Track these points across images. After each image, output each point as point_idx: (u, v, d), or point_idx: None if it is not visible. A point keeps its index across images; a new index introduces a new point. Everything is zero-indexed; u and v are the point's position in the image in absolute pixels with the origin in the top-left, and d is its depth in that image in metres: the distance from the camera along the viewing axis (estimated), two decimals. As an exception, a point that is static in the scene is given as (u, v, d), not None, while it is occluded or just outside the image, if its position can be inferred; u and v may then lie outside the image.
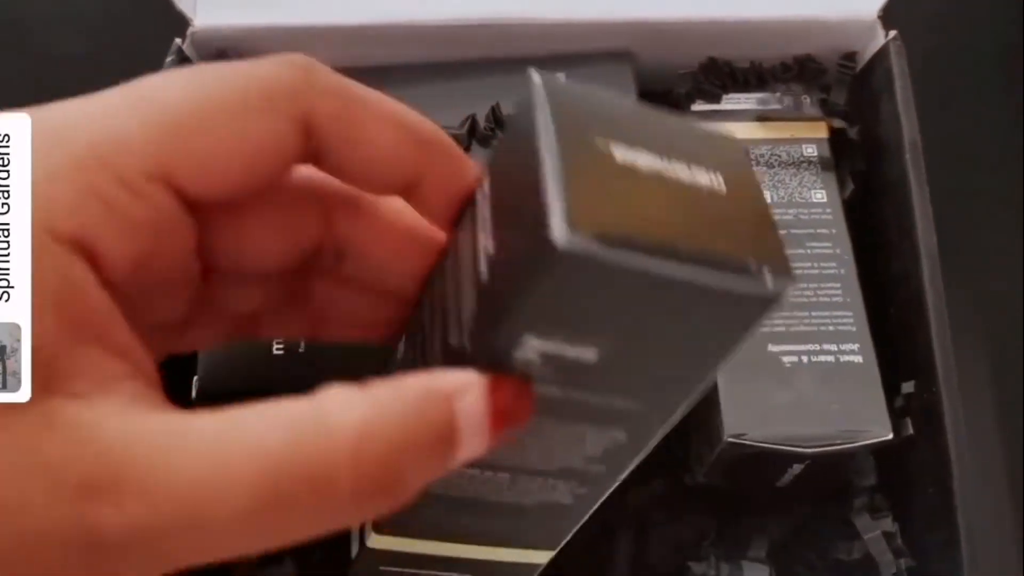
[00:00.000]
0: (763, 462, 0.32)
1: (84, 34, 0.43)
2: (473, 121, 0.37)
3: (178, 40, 0.36)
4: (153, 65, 0.35)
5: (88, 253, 0.18)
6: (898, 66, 0.36)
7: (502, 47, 0.38)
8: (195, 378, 0.31)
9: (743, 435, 0.31)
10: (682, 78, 0.38)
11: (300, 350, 0.32)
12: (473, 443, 0.18)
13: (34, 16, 0.43)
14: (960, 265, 0.35)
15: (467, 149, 0.37)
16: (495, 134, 0.37)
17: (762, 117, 0.36)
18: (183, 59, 0.36)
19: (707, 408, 0.33)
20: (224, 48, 0.37)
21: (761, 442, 0.31)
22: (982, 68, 0.41)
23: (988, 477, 0.35)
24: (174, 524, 0.16)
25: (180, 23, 0.36)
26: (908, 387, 0.34)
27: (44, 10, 0.43)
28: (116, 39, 0.41)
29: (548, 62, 0.38)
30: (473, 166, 0.21)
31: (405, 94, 0.38)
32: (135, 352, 0.18)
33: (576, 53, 0.38)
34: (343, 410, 0.17)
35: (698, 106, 0.37)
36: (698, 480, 0.36)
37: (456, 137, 0.37)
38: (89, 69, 0.43)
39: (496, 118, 0.37)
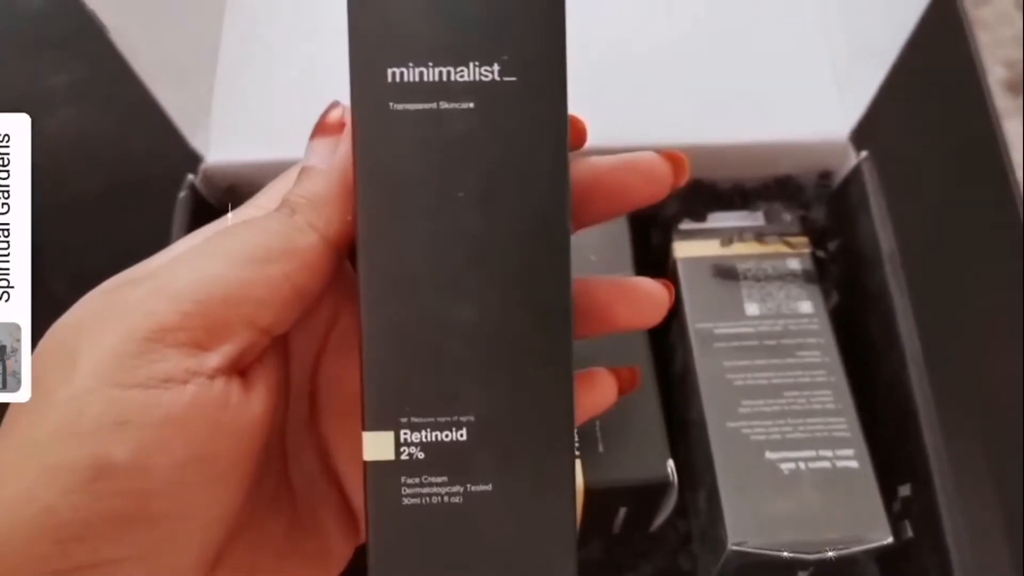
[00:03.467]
0: (768, 570, 0.32)
1: (98, 170, 0.45)
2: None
3: (191, 176, 0.38)
4: (166, 200, 0.37)
5: None
6: (871, 183, 0.38)
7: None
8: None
9: (746, 543, 0.31)
10: (669, 199, 0.40)
11: None
12: None
13: (48, 153, 0.44)
14: (948, 368, 0.36)
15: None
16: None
17: (746, 234, 0.38)
18: (195, 194, 0.38)
19: (710, 518, 0.33)
20: (235, 184, 0.39)
21: (764, 549, 0.31)
22: (956, 175, 0.43)
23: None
24: None
25: (192, 159, 0.38)
26: (905, 491, 0.34)
27: (58, 146, 0.45)
28: (130, 175, 0.43)
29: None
30: None
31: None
32: None
33: (568, 178, 0.40)
34: None
35: (685, 224, 0.39)
36: (704, 593, 0.36)
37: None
38: (104, 204, 0.45)
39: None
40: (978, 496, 0.37)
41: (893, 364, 0.36)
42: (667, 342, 0.39)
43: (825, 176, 0.40)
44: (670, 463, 0.33)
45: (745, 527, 0.31)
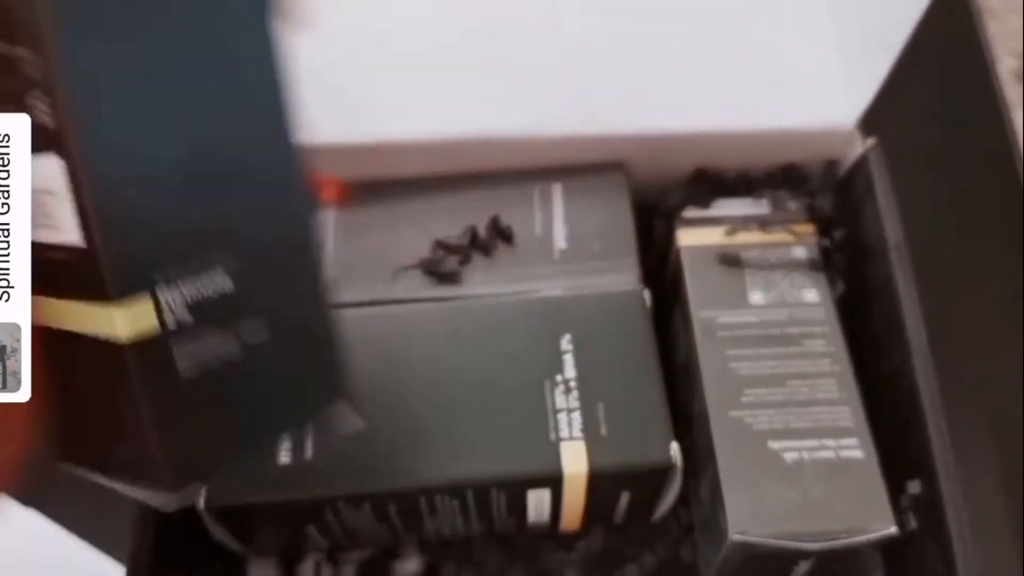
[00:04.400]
0: (770, 560, 0.32)
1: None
2: (474, 231, 0.39)
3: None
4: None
5: None
6: (878, 172, 0.38)
7: (503, 160, 0.40)
8: (202, 488, 0.32)
9: (748, 533, 0.31)
10: (674, 187, 0.40)
11: (307, 458, 0.32)
12: None
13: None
14: (954, 358, 0.35)
15: (467, 259, 0.38)
16: (495, 243, 0.39)
17: (750, 223, 0.38)
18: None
19: (712, 508, 0.33)
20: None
21: (767, 539, 0.31)
22: (963, 163, 0.43)
23: (995, 570, 0.35)
24: None
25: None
26: (914, 487, 0.34)
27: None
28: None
29: (545, 174, 0.40)
30: None
31: (410, 206, 0.40)
32: None
33: (572, 165, 0.40)
34: None
35: (689, 213, 0.39)
36: (707, 583, 0.36)
37: (458, 247, 0.38)
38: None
39: (496, 228, 0.39)
40: (982, 487, 0.37)
41: (898, 356, 0.35)
42: (671, 331, 0.39)
43: (832, 164, 0.40)
44: (674, 446, 0.32)
45: (747, 517, 0.31)
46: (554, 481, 0.33)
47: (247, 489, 0.32)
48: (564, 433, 0.33)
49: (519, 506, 0.34)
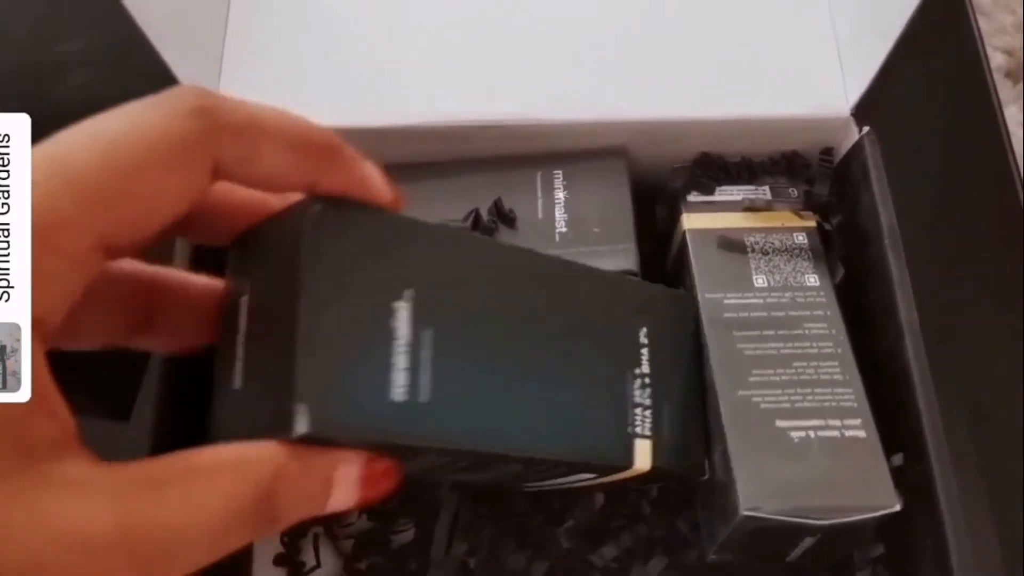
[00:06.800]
0: (777, 536, 0.33)
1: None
2: (476, 214, 0.39)
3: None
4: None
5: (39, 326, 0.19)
6: (872, 159, 0.39)
7: (504, 145, 0.40)
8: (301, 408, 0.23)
9: (758, 509, 0.32)
10: (677, 171, 0.41)
11: (422, 400, 0.26)
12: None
13: (49, 109, 0.43)
14: (944, 340, 0.37)
15: (471, 241, 0.38)
16: (497, 226, 0.39)
17: (753, 208, 0.39)
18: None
19: (720, 484, 0.34)
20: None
21: (776, 515, 0.32)
22: (957, 152, 0.44)
23: (985, 547, 0.37)
24: None
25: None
26: (897, 460, 0.35)
27: (60, 102, 0.44)
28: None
29: (547, 159, 0.40)
30: (365, 167, 0.26)
31: (414, 189, 0.40)
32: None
33: (574, 150, 0.40)
34: None
35: (693, 197, 0.39)
36: (708, 558, 0.37)
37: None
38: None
39: (499, 211, 0.39)
40: (971, 463, 0.38)
41: (891, 336, 0.36)
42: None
43: (827, 152, 0.41)
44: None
45: (757, 493, 0.32)
46: (618, 471, 0.32)
47: (358, 425, 0.24)
48: (639, 429, 0.32)
49: (563, 476, 0.33)
